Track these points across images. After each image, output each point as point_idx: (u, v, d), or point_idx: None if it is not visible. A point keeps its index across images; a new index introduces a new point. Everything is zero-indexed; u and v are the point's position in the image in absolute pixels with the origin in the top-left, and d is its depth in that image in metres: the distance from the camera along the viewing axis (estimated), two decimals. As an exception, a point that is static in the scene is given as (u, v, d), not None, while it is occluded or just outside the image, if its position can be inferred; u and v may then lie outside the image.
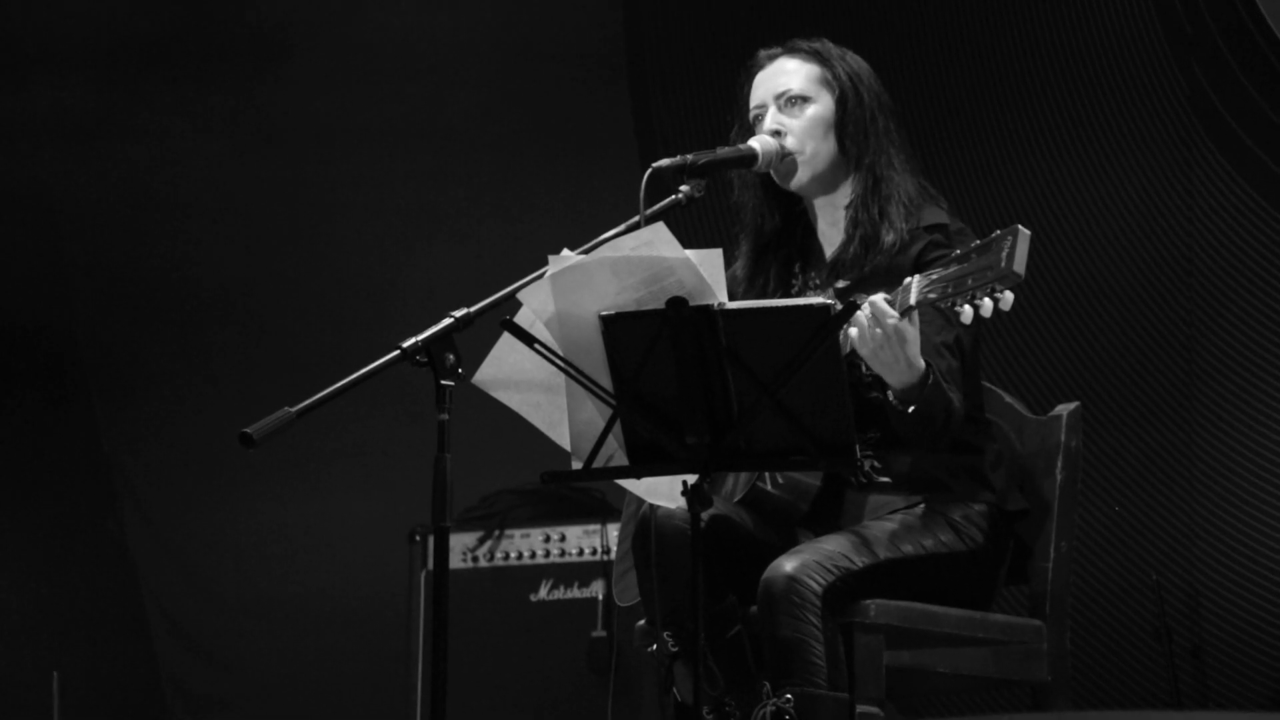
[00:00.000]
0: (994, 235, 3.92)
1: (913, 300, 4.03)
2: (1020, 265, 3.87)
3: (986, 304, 3.92)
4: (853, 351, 4.18)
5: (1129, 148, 6.36)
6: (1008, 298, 3.91)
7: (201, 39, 7.60)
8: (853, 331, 4.09)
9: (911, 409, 4.16)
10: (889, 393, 4.18)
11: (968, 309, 3.94)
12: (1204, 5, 6.23)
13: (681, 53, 7.21)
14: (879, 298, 4.07)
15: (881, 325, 4.05)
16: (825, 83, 4.55)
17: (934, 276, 4.00)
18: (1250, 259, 6.17)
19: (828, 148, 4.54)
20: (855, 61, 4.60)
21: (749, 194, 4.63)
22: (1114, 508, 6.21)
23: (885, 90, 4.61)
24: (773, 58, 4.61)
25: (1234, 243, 6.19)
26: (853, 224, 4.52)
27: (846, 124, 4.53)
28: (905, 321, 4.06)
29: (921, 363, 4.13)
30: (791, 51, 4.60)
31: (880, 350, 4.08)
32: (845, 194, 4.56)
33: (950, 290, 3.96)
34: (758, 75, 4.60)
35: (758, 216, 4.63)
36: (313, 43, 7.53)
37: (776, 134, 4.52)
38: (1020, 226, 3.88)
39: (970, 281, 3.93)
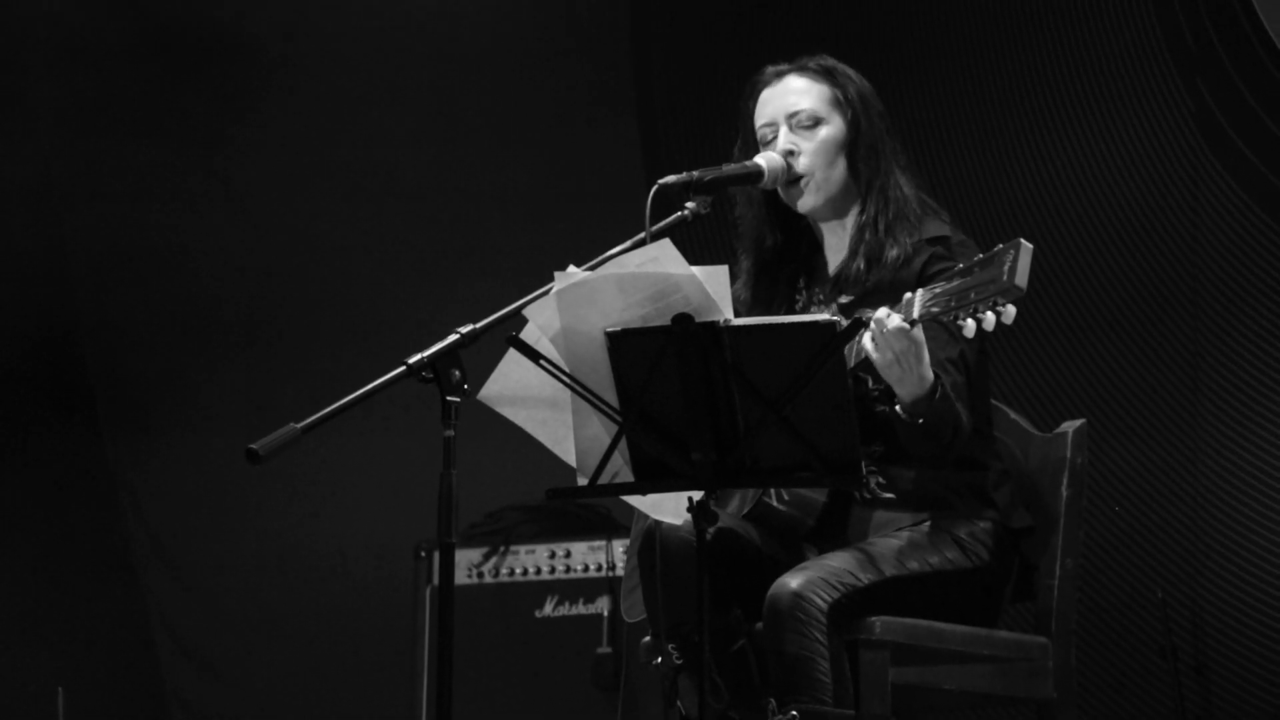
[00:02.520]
0: (996, 249, 3.92)
1: (915, 314, 4.03)
2: (1022, 279, 3.87)
3: (989, 317, 3.91)
4: (858, 365, 4.18)
5: (1134, 165, 6.37)
6: (1009, 311, 3.91)
7: (202, 50, 7.60)
8: (866, 342, 4.09)
9: (920, 421, 4.16)
10: (898, 406, 4.17)
11: (970, 323, 3.93)
12: (1209, 22, 6.24)
13: (688, 69, 7.22)
14: (886, 311, 4.07)
15: (897, 338, 4.05)
16: (836, 103, 4.54)
17: (937, 290, 4.00)
18: (1255, 276, 6.17)
19: (839, 171, 4.53)
20: (861, 80, 4.59)
21: (751, 210, 4.62)
22: (1114, 508, 6.21)
23: (886, 107, 4.61)
24: (780, 75, 4.59)
25: (1239, 260, 6.19)
26: (858, 242, 4.52)
27: (859, 146, 4.53)
28: (917, 333, 4.06)
29: (931, 374, 4.14)
30: (799, 69, 4.58)
31: (893, 365, 4.08)
32: (853, 214, 4.55)
33: (953, 304, 3.95)
34: (764, 92, 4.59)
35: (759, 233, 4.62)
36: (321, 56, 7.54)
37: (790, 154, 4.51)
38: (1022, 240, 3.88)
39: (973, 295, 3.92)
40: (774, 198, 4.57)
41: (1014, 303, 3.90)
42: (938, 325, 4.14)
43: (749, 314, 4.56)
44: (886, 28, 6.79)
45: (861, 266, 4.48)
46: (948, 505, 4.44)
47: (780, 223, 4.61)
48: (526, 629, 6.49)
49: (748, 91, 4.61)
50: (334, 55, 7.55)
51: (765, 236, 4.62)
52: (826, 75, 4.56)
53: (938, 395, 4.15)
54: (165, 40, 7.58)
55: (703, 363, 3.82)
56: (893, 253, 4.45)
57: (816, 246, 4.61)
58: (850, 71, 4.59)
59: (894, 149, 4.56)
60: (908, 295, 4.06)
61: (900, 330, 4.03)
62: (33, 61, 7.58)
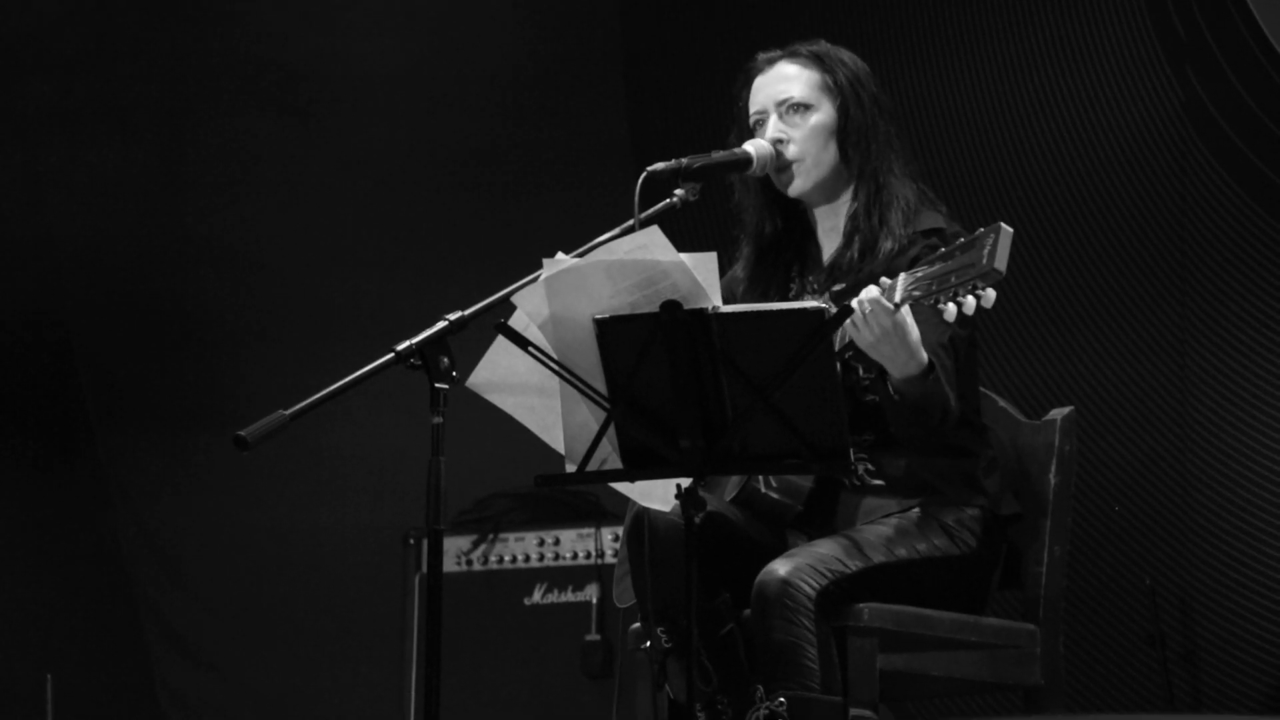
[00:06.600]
0: (977, 232, 3.92)
1: (898, 298, 4.02)
2: (1002, 263, 3.86)
3: (970, 301, 3.90)
4: (845, 352, 4.18)
5: (1123, 153, 6.36)
6: (990, 295, 3.90)
7: (192, 53, 7.59)
8: (849, 324, 4.08)
9: (909, 400, 4.15)
10: (889, 384, 4.17)
11: (951, 307, 3.93)
12: (1198, 11, 6.23)
13: (679, 56, 7.22)
14: (872, 291, 4.06)
15: (879, 320, 4.04)
16: (826, 89, 4.53)
17: (919, 274, 4.00)
18: (1244, 264, 6.17)
19: (829, 156, 4.53)
20: (855, 64, 4.57)
21: (750, 196, 4.62)
22: (1114, 507, 6.21)
23: (884, 91, 4.60)
24: (772, 62, 4.59)
25: (1228, 248, 6.19)
26: (852, 230, 4.51)
27: (849, 132, 4.52)
28: (902, 313, 4.05)
29: (924, 355, 4.13)
30: (791, 56, 4.58)
31: (880, 344, 4.08)
32: (846, 200, 4.55)
33: (934, 288, 3.95)
34: (757, 79, 4.58)
35: (759, 219, 4.62)
36: (305, 50, 7.53)
37: (779, 143, 4.50)
38: (1002, 224, 3.87)
39: (954, 279, 3.91)
40: (770, 184, 4.57)
41: (1000, 287, 3.89)
42: (929, 309, 4.14)
43: (746, 297, 4.56)
44: (875, 17, 6.79)
45: (855, 256, 4.48)
46: (937, 492, 4.44)
47: (778, 208, 4.61)
48: (515, 616, 6.49)
49: (741, 79, 4.61)
50: (320, 46, 7.53)
51: (764, 222, 4.62)
52: (816, 61, 4.55)
53: (931, 376, 4.15)
54: (149, 37, 7.57)
55: (691, 350, 3.82)
56: (887, 244, 4.45)
57: (810, 233, 4.61)
58: (844, 56, 4.58)
59: (889, 134, 4.55)
60: (886, 280, 4.05)
61: (881, 308, 4.02)
62: (21, 57, 7.56)
